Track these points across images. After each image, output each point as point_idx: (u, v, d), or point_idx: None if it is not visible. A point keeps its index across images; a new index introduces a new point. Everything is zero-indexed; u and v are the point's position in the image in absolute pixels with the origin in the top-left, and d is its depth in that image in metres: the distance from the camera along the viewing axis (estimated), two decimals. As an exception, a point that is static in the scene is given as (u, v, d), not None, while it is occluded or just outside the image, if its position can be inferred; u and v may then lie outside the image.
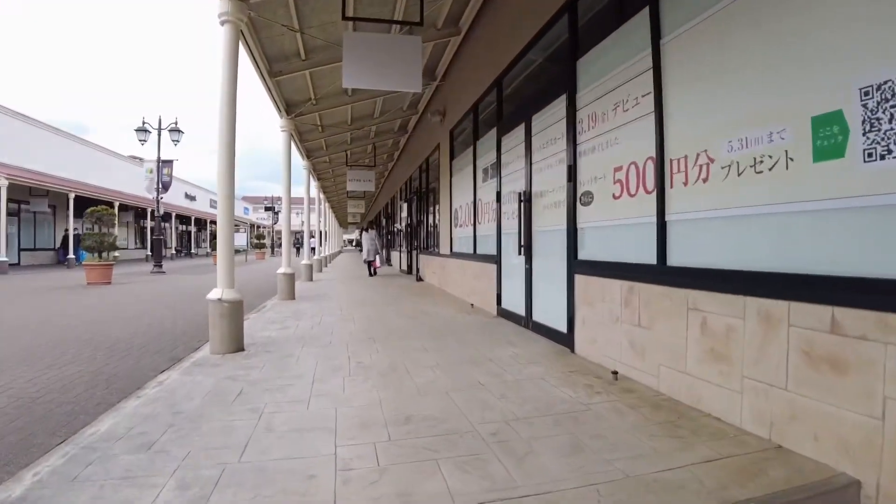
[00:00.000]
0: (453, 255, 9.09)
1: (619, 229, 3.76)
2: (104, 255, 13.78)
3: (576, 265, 4.33)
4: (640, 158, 3.50)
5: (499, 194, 6.35)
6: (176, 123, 19.53)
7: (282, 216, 9.27)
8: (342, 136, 12.73)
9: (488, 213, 6.93)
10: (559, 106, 4.66)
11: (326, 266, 21.47)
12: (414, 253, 14.93)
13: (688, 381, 3.01)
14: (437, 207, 11.45)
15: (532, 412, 2.88)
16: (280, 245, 56.10)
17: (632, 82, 3.59)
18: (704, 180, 2.93)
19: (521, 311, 5.61)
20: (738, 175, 2.70)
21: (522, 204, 5.33)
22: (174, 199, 41.18)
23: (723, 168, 2.80)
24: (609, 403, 3.03)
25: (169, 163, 20.50)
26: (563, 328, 4.56)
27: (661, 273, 3.25)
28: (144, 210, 32.44)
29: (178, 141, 19.58)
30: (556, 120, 4.73)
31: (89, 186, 25.18)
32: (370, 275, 15.08)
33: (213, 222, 47.80)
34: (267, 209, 55.54)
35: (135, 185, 28.86)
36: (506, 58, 6.08)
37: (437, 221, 11.23)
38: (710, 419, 2.78)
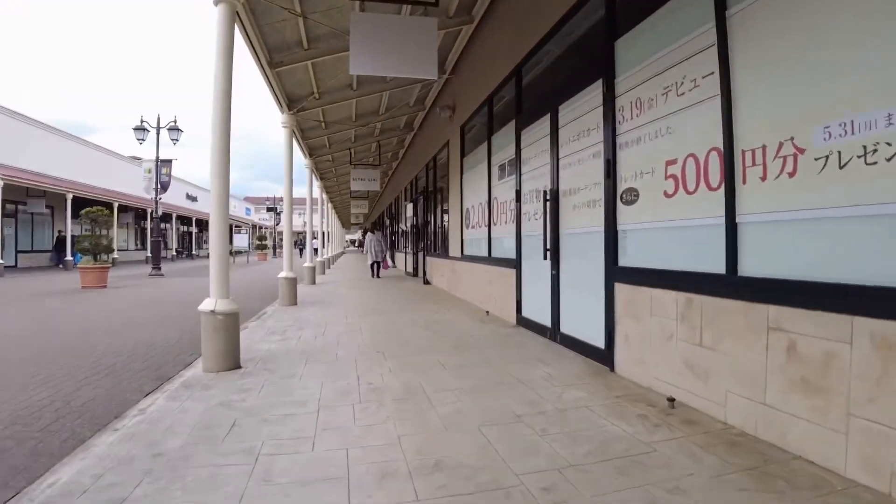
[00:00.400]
0: (464, 257, 8.59)
1: (673, 232, 3.25)
2: (99, 257, 13.31)
3: (616, 272, 3.82)
4: (700, 150, 3.00)
5: (518, 193, 5.85)
6: (175, 122, 19.07)
7: (283, 217, 8.79)
8: (346, 134, 12.25)
9: (505, 214, 6.43)
10: (594, 93, 4.15)
11: (329, 267, 20.99)
12: (420, 255, 14.45)
13: (768, 414, 2.51)
14: (445, 208, 10.95)
15: (586, 456, 2.37)
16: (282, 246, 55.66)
17: (689, 62, 3.09)
18: (791, 174, 2.42)
19: (546, 322, 5.10)
20: (840, 168, 2.19)
21: (548, 203, 4.83)
22: (175, 199, 40.84)
23: (817, 160, 2.29)
24: (675, 442, 2.53)
25: (168, 162, 20.04)
26: (600, 343, 4.06)
27: (731, 284, 2.75)
28: (145, 211, 31.98)
29: (176, 140, 19.12)
30: (590, 109, 4.23)
31: (88, 187, 24.75)
32: (373, 276, 15.03)
33: (215, 223, 47.46)
34: (269, 210, 55.18)
35: (135, 186, 28.37)
36: (526, 44, 5.57)
37: (445, 222, 10.73)
38: (803, 463, 2.28)
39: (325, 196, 20.66)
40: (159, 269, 18.36)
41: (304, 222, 13.75)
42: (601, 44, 4.06)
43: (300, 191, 11.76)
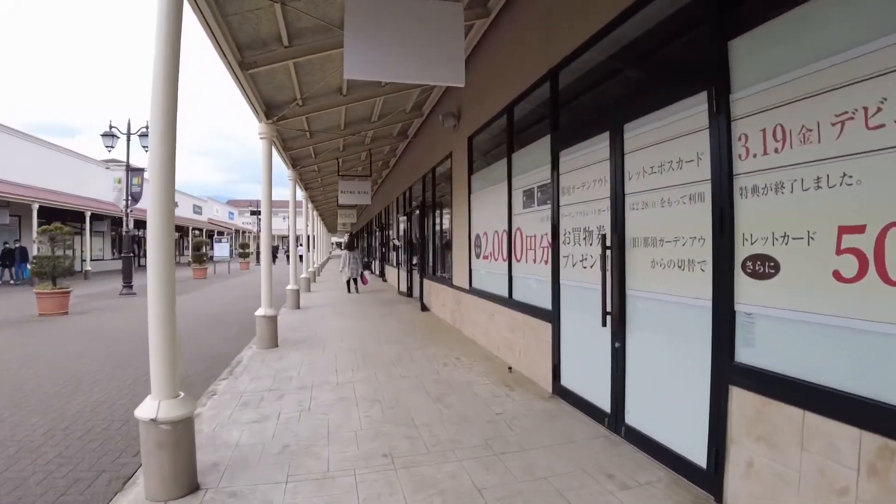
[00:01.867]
0: (473, 291, 7.40)
1: (857, 337, 2.09)
2: (59, 281, 11.87)
3: (732, 371, 2.67)
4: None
5: (555, 228, 4.67)
6: (147, 128, 17.57)
7: (262, 237, 7.52)
8: (334, 143, 10.99)
9: (535, 251, 5.25)
10: (692, 111, 2.99)
11: (315, 281, 19.65)
12: (414, 273, 13.23)
13: None
14: (446, 227, 9.76)
15: None
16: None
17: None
18: None
19: (602, 403, 3.94)
20: None
21: (609, 252, 3.67)
22: None
23: None
24: None
25: (140, 171, 18.55)
26: (700, 460, 2.90)
27: None
28: (121, 219, 30.26)
29: (148, 147, 17.62)
30: (683, 132, 3.07)
31: (57, 194, 23.09)
32: (349, 291, 15.33)
33: (197, 229, 45.77)
34: (253, 213, 53.40)
35: (111, 192, 26.75)
36: (568, 41, 4.40)
37: (446, 243, 9.54)
38: None
39: (310, 205, 19.33)
40: (131, 286, 16.85)
41: (289, 227, 12.58)
42: (705, 42, 2.90)
43: (283, 192, 10.49)
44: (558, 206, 4.62)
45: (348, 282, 15.59)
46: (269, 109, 7.40)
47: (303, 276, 15.93)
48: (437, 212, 10.55)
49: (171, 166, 3.06)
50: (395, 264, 16.55)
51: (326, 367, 6.05)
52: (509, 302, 5.91)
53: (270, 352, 7.02)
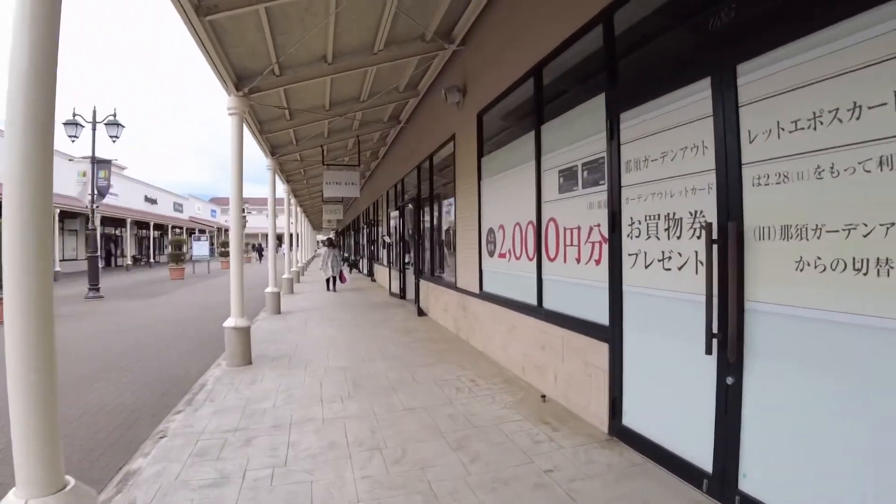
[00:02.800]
0: (485, 296, 6.24)
1: None
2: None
3: None
4: None
5: (613, 217, 3.53)
6: (114, 116, 16.13)
7: (232, 233, 6.28)
8: (317, 127, 9.75)
9: (578, 247, 4.10)
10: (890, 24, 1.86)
11: (299, 281, 18.34)
12: (407, 273, 12.02)
13: None
14: (447, 221, 8.59)
15: None
16: (256, 249, 52.37)
17: None
18: None
19: (698, 457, 2.81)
20: None
21: (715, 246, 2.54)
22: (131, 202, 37.76)
23: None
24: None
25: (106, 164, 17.04)
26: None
27: None
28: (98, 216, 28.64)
29: (116, 137, 16.17)
30: (860, 63, 1.93)
31: (16, 190, 21.43)
32: (328, 290, 15.17)
33: (177, 227, 44.05)
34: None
35: (75, 187, 25.10)
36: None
37: (450, 240, 8.38)
38: None
39: (293, 200, 18.00)
40: (97, 288, 15.42)
41: (269, 223, 11.39)
42: None
43: (262, 190, 9.22)
44: (619, 187, 3.47)
45: (328, 280, 15.36)
46: (239, 80, 6.15)
47: (285, 276, 14.65)
48: (436, 205, 9.37)
49: (47, 107, 1.86)
50: (385, 263, 15.33)
51: (309, 394, 4.84)
52: (538, 311, 4.76)
53: (242, 371, 5.79)
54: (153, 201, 42.58)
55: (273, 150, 10.31)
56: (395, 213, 13.04)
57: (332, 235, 39.97)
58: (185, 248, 25.71)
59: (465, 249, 7.02)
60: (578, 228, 4.05)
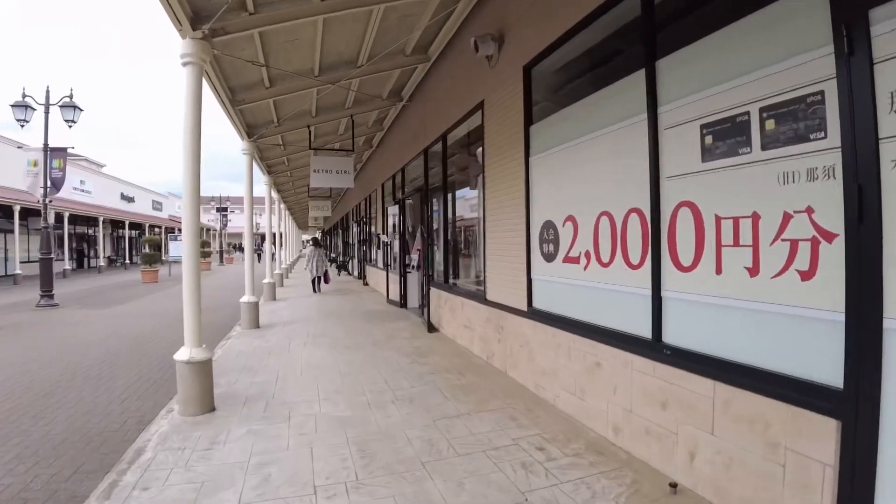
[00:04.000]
0: (537, 315, 4.56)
1: None
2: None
3: None
4: None
5: (860, 194, 1.87)
6: (70, 97, 14.16)
7: (185, 225, 4.52)
8: (303, 102, 8.00)
9: (757, 246, 2.42)
10: None
11: (283, 285, 16.52)
12: (409, 278, 10.32)
13: None
14: (470, 215, 6.93)
15: None
16: (240, 248, 50.11)
17: None
18: None
19: None
20: None
21: None
22: (105, 199, 35.70)
23: None
24: None
25: (61, 151, 15.03)
26: None
27: None
28: (60, 215, 26.51)
29: (73, 122, 14.18)
30: None
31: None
32: (314, 291, 14.42)
33: (156, 227, 41.84)
34: (219, 210, 49.63)
35: (25, 178, 23.00)
36: None
37: (474, 238, 6.72)
38: None
39: (276, 194, 16.19)
40: (51, 295, 13.38)
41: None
42: None
43: (241, 189, 7.50)
44: (874, 139, 1.83)
45: (314, 281, 14.70)
46: (196, 15, 4.40)
47: (266, 280, 12.84)
48: (450, 196, 7.67)
49: None
50: (381, 265, 13.58)
51: (295, 472, 3.13)
52: (653, 349, 3.07)
53: (199, 424, 4.05)
54: (130, 199, 40.77)
55: (250, 130, 8.53)
56: (393, 209, 11.31)
57: (317, 235, 38.08)
58: (159, 248, 23.76)
59: (500, 251, 5.35)
60: (754, 217, 2.39)
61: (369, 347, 6.77)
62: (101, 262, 32.38)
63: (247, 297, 8.64)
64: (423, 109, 8.60)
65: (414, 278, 10.51)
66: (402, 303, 10.55)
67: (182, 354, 4.33)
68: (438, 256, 8.17)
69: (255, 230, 10.58)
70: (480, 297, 5.94)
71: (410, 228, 10.69)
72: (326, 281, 15.26)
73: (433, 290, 7.83)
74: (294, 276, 21.89)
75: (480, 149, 5.88)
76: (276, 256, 17.26)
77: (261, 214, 26.83)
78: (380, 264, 13.98)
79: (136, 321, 10.41)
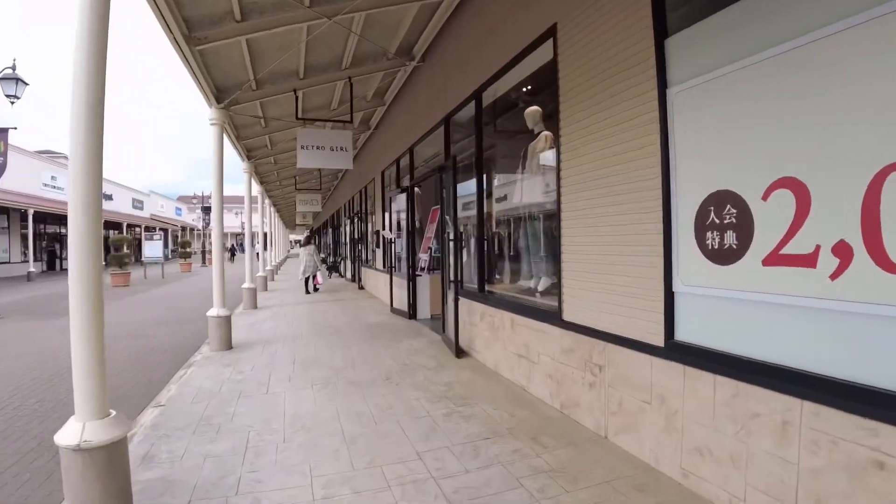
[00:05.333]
0: (695, 356, 2.66)
1: None
2: None
3: None
4: None
5: None
6: (13, 68, 12.05)
7: (71, 221, 2.54)
8: (292, 38, 6.07)
9: None
10: None
11: (267, 289, 14.51)
12: (420, 283, 8.43)
13: None
14: (517, 198, 5.05)
15: None
16: (228, 249, 47.75)
17: None
18: None
19: None
20: None
21: None
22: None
23: None
24: None
25: (2, 133, 12.91)
26: None
27: None
28: (24, 213, 24.32)
29: (16, 97, 12.09)
30: None
31: None
32: (307, 293, 13.64)
33: (134, 226, 39.54)
34: (204, 209, 47.34)
35: (13, 179, 21.01)
36: None
37: (531, 230, 4.85)
38: None
39: (255, 183, 14.21)
40: (-10, 302, 11.34)
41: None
42: None
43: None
44: None
45: (306, 281, 13.86)
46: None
47: (246, 286, 10.84)
48: (484, 175, 5.75)
49: None
50: (383, 267, 11.64)
51: None
52: None
53: None
54: (107, 197, 38.48)
55: (219, 94, 6.57)
56: (398, 199, 9.38)
57: (307, 233, 36.01)
58: (127, 249, 21.69)
59: (594, 247, 3.45)
60: None
61: (381, 385, 4.83)
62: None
63: (215, 310, 6.67)
64: (443, 68, 6.68)
65: (425, 283, 8.60)
66: (411, 313, 8.63)
67: (67, 437, 2.39)
68: (470, 257, 6.24)
69: (242, 229, 8.63)
70: (550, 316, 4.04)
71: (419, 222, 8.78)
72: (316, 282, 14.19)
73: (463, 301, 5.89)
74: (281, 279, 19.84)
75: (554, 93, 3.98)
76: (261, 257, 15.29)
77: (237, 214, 24.81)
78: (379, 265, 12.02)
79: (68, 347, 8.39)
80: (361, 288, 14.65)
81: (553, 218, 4.10)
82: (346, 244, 19.42)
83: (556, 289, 4.00)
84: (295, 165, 13.69)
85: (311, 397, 4.51)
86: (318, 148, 7.35)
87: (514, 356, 4.69)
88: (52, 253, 32.87)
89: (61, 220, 31.10)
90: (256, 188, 14.65)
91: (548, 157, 4.65)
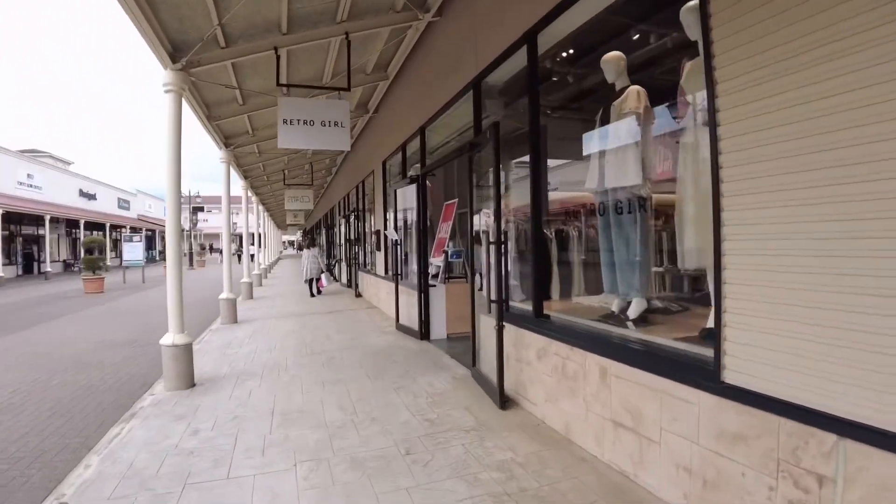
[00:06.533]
0: None
1: None
2: None
3: None
4: None
5: None
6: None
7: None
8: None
9: None
10: None
11: (252, 297, 12.83)
12: (435, 295, 6.83)
13: None
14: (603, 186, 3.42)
15: None
16: (217, 250, 45.88)
17: None
18: None
19: None
20: None
21: None
22: (58, 196, 31.88)
23: None
24: None
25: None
26: None
27: None
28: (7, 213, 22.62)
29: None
30: None
31: None
32: (312, 295, 13.15)
33: (118, 227, 37.82)
34: (196, 209, 45.46)
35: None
36: None
37: (637, 224, 3.25)
38: None
39: (240, 179, 12.55)
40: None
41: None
42: None
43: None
44: None
45: (309, 284, 13.34)
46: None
47: (223, 296, 9.16)
48: (541, 151, 4.11)
49: None
50: (386, 273, 10.00)
51: None
52: None
53: None
54: (91, 196, 36.98)
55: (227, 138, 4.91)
56: (405, 192, 7.74)
57: (301, 234, 34.27)
58: (99, 253, 19.99)
59: (802, 265, 1.83)
60: None
61: (400, 468, 3.16)
62: (49, 268, 28.17)
63: (170, 337, 5.03)
64: (471, 16, 5.05)
65: (440, 295, 6.98)
66: (423, 332, 6.99)
67: None
68: (521, 264, 4.59)
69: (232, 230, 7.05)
70: (690, 371, 2.42)
71: (429, 220, 7.15)
72: (320, 285, 13.67)
73: (510, 328, 4.21)
74: (271, 283, 18.12)
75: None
76: (244, 259, 13.63)
77: (236, 212, 23.18)
78: (380, 271, 10.37)
79: (32, 361, 6.78)
80: (359, 295, 12.98)
81: (654, 206, 2.49)
82: (341, 245, 17.73)
83: (664, 316, 2.42)
84: (284, 159, 12.04)
85: (293, 491, 2.86)
86: (305, 123, 5.66)
87: (605, 422, 3.06)
88: (29, 256, 31.10)
89: (39, 220, 29.29)
90: (240, 183, 12.99)
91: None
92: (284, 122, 5.61)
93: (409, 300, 7.53)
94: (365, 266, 12.71)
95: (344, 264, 16.61)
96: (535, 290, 3.89)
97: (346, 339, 7.32)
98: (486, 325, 4.54)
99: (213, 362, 6.16)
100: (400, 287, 7.91)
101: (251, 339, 7.60)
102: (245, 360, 6.27)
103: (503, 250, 3.97)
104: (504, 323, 4.01)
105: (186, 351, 5.10)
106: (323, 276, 13.73)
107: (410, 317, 7.47)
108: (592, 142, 3.77)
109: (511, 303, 4.40)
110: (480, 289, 4.72)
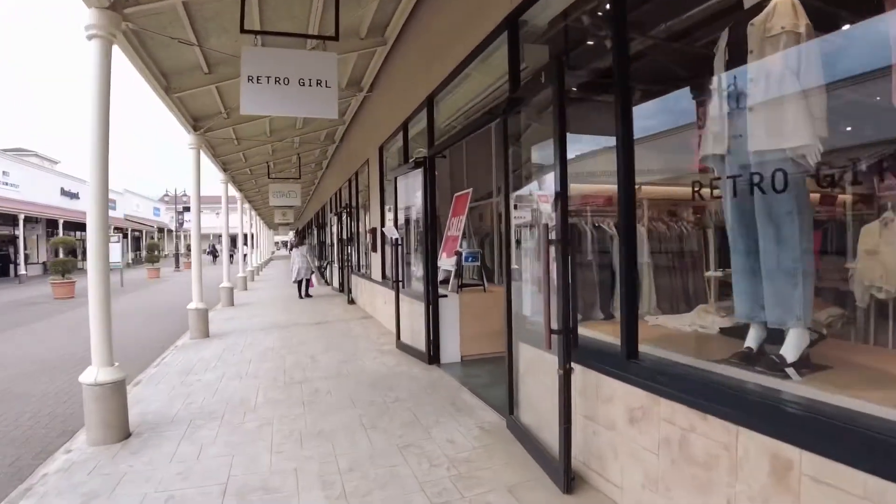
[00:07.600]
0: None
1: None
2: None
3: None
4: None
5: None
6: None
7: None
8: None
9: None
10: None
11: (233, 304, 11.40)
12: (446, 307, 5.50)
13: None
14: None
15: None
16: (210, 251, 44.25)
17: None
18: None
19: None
20: None
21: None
22: (37, 195, 30.42)
23: None
24: None
25: None
26: None
27: None
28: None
29: None
30: None
31: None
32: (300, 297, 12.61)
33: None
34: (185, 209, 43.88)
35: None
36: None
37: (796, 210, 1.87)
38: None
39: (221, 173, 11.14)
40: None
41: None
42: None
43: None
44: None
45: (298, 285, 12.83)
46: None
47: (192, 306, 7.73)
48: (632, 108, 2.76)
49: None
50: (379, 277, 8.57)
51: None
52: None
53: None
54: (73, 195, 35.37)
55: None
56: (408, 179, 6.38)
57: (294, 234, 32.87)
58: (67, 255, 18.54)
59: None
60: None
61: None
62: (25, 271, 26.59)
63: (93, 373, 3.66)
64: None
65: (452, 307, 5.62)
66: (432, 353, 5.62)
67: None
68: (580, 269, 3.24)
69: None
70: None
71: (435, 211, 5.80)
72: (311, 285, 13.15)
73: (580, 371, 2.82)
74: (256, 287, 16.66)
75: None
76: (223, 260, 12.21)
77: (219, 213, 21.83)
78: (377, 275, 8.98)
79: None
80: (352, 302, 11.57)
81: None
82: (332, 246, 16.32)
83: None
84: (268, 148, 10.62)
85: None
86: (277, 81, 4.19)
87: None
88: (5, 258, 29.50)
89: (14, 220, 27.67)
90: (220, 177, 11.58)
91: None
92: (250, 79, 4.18)
93: (413, 313, 6.16)
94: (359, 269, 11.31)
95: (336, 266, 15.20)
96: (625, 319, 2.51)
97: (334, 363, 5.93)
98: (529, 358, 3.18)
99: (164, 396, 4.77)
100: (402, 296, 6.53)
101: (219, 361, 6.19)
102: (206, 392, 4.87)
103: (569, 255, 2.60)
104: (571, 363, 2.63)
105: (116, 391, 3.72)
106: (313, 276, 13.17)
107: (414, 333, 6.10)
108: (715, 84, 2.42)
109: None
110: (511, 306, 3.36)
